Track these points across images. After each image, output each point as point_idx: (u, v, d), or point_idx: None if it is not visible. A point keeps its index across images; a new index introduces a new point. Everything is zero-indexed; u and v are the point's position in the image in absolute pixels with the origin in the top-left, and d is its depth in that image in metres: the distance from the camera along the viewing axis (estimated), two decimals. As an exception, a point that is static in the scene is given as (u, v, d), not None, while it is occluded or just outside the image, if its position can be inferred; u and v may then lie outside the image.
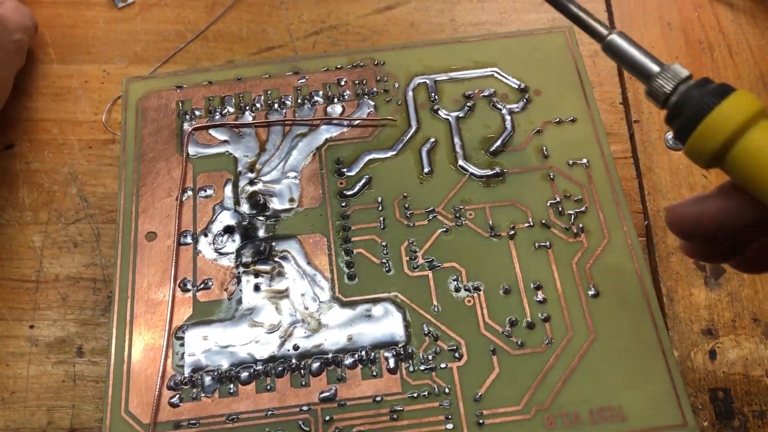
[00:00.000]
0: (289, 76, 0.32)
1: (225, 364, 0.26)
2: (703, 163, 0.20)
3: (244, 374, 0.25)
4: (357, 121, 0.30)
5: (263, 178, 0.29)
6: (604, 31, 0.22)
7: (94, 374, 0.30)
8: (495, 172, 0.29)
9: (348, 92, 0.31)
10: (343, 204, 0.29)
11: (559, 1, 0.23)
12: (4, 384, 0.30)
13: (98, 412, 0.29)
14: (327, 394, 0.25)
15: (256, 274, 0.27)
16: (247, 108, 0.31)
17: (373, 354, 0.26)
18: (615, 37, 0.21)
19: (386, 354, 0.26)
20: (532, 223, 0.28)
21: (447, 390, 0.25)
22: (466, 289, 0.27)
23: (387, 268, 0.27)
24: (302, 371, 0.25)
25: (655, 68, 0.21)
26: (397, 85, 0.31)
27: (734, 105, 0.19)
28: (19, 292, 0.32)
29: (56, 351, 0.31)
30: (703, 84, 0.20)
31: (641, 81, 0.21)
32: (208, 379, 0.25)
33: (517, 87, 0.31)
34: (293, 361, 0.26)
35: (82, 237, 0.33)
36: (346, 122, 0.30)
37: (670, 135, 0.23)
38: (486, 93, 0.31)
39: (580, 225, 0.28)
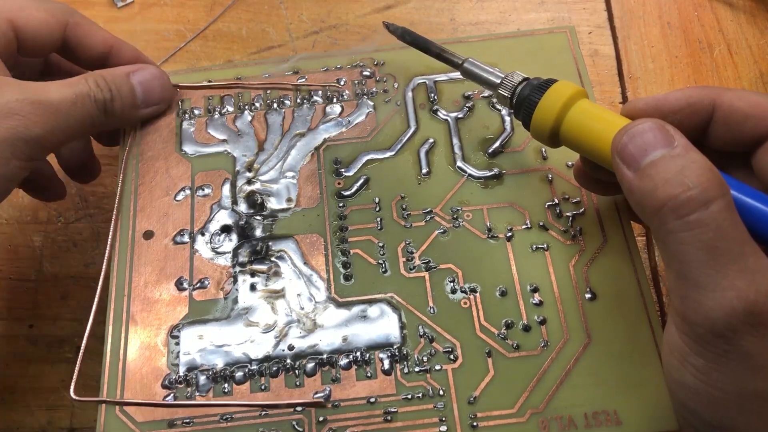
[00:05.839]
0: (289, 75, 0.32)
1: (220, 364, 0.26)
2: (546, 143, 0.25)
3: (239, 374, 0.25)
4: (309, 87, 0.31)
5: (261, 178, 0.29)
6: (459, 59, 0.28)
7: (93, 374, 0.30)
8: (493, 173, 0.29)
9: (347, 92, 0.31)
10: (341, 204, 0.28)
11: (420, 40, 0.29)
12: (4, 384, 0.30)
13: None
14: (321, 394, 0.25)
15: (253, 274, 0.27)
16: (246, 107, 0.31)
17: (368, 355, 0.25)
18: (467, 64, 0.27)
19: (381, 355, 0.25)
20: (529, 225, 0.28)
21: (441, 392, 0.25)
22: (462, 291, 0.26)
23: (383, 269, 0.27)
24: (297, 371, 0.25)
25: (496, 80, 0.26)
26: (396, 86, 0.31)
27: (552, 96, 0.24)
28: (19, 292, 0.32)
29: (56, 350, 0.31)
30: (530, 83, 0.25)
31: (491, 92, 0.27)
32: (202, 378, 0.25)
33: (517, 88, 0.31)
34: (288, 361, 0.26)
35: (81, 236, 0.33)
36: (299, 88, 0.31)
37: None
38: (485, 93, 0.31)
39: (578, 227, 0.27)
